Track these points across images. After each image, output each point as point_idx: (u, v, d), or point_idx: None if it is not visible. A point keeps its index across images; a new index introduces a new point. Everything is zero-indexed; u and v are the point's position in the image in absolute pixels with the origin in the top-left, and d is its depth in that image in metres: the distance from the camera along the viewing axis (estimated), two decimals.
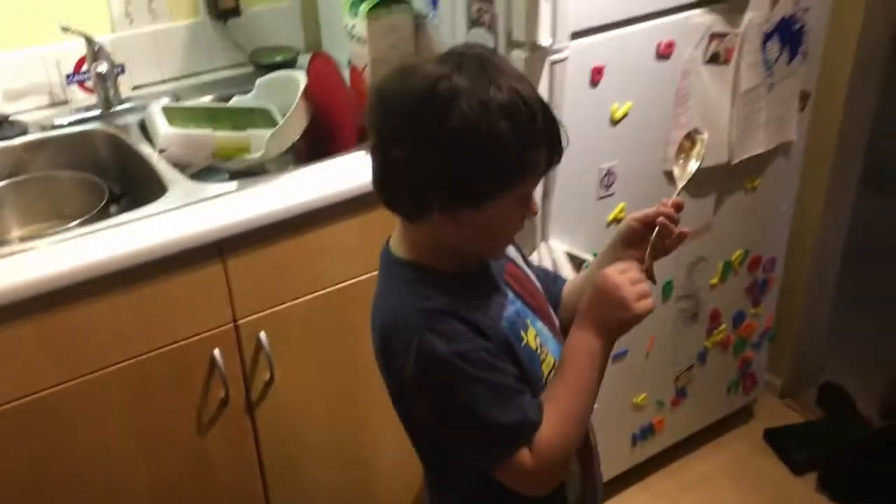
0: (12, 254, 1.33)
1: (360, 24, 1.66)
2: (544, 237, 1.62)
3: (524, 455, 0.97)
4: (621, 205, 1.71)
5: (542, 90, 1.47)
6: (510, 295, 1.07)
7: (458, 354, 0.95)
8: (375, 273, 1.61)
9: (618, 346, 1.83)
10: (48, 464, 1.40)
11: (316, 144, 1.76)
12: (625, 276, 1.00)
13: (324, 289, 1.58)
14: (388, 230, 1.61)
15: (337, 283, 1.58)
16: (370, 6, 1.63)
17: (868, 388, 2.38)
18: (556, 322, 1.16)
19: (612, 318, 1.00)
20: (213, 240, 1.41)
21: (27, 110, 1.75)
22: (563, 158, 1.47)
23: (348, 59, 1.77)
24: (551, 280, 1.23)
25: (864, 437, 2.16)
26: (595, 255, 1.68)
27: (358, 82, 1.76)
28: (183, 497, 1.58)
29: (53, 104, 1.78)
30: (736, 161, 1.79)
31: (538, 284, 1.16)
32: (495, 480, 1.01)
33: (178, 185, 1.52)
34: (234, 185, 1.52)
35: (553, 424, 0.98)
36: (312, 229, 1.52)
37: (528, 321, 1.07)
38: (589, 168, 1.64)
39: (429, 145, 0.90)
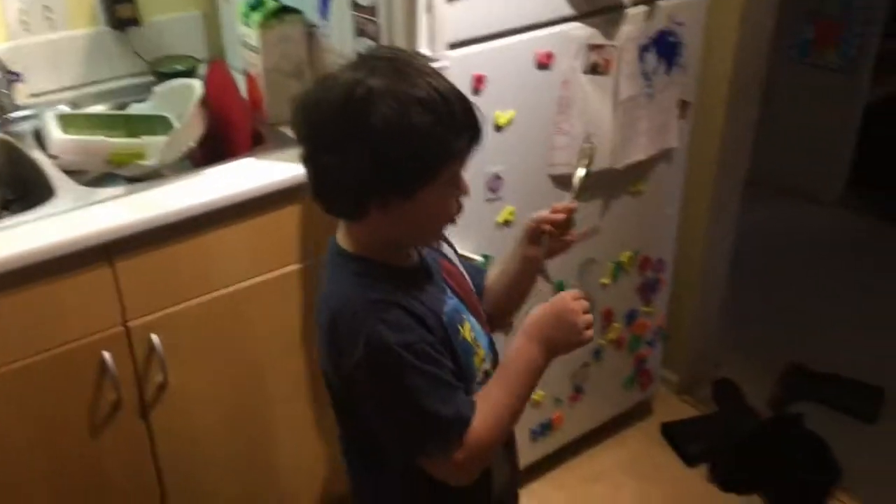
0: None
1: (253, 34, 1.71)
2: None
3: (454, 448, 1.03)
4: (509, 208, 1.78)
5: None
6: (448, 291, 1.14)
7: (404, 345, 1.00)
8: (267, 276, 1.67)
9: None
10: None
11: (213, 150, 1.79)
12: (578, 303, 1.09)
13: (216, 291, 1.61)
14: (279, 234, 1.66)
15: (229, 286, 1.62)
16: (263, 16, 1.68)
17: (758, 381, 2.51)
18: (484, 316, 1.22)
19: (560, 339, 1.09)
20: (99, 242, 1.43)
21: None
22: None
23: (244, 68, 1.81)
24: (475, 273, 1.29)
25: (750, 429, 2.27)
26: (485, 256, 1.76)
27: (253, 90, 1.80)
28: (79, 499, 1.59)
29: None
30: (619, 166, 1.89)
31: (468, 280, 1.22)
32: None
33: (68, 190, 1.54)
34: (123, 189, 1.55)
35: (484, 422, 1.04)
36: (204, 232, 1.56)
37: (464, 316, 1.13)
38: (476, 172, 1.70)
39: (355, 147, 0.96)
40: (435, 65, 1.47)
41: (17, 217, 1.46)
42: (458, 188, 1.04)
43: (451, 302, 1.12)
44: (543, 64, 1.70)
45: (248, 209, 1.59)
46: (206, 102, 1.81)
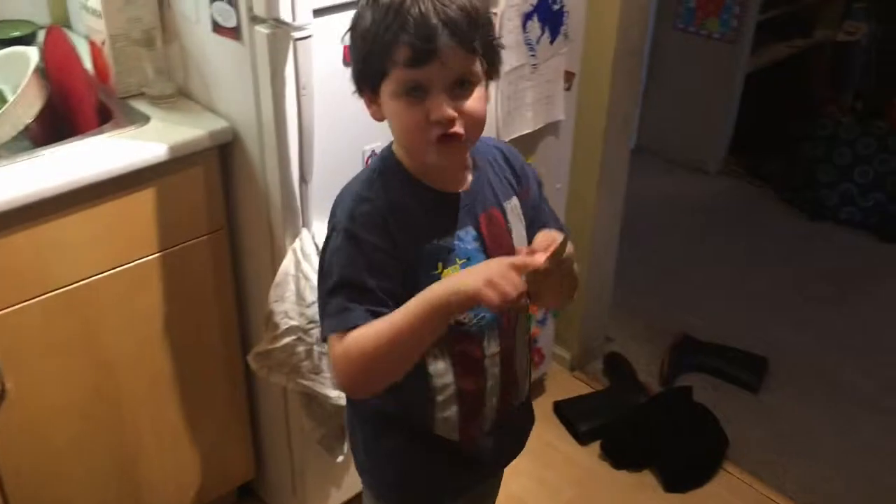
0: None
1: None
2: (305, 223, 1.55)
3: (335, 339, 1.08)
4: None
5: (289, 69, 1.39)
6: (467, 232, 1.13)
7: (352, 235, 1.08)
8: (119, 269, 1.50)
9: None
10: None
11: (54, 128, 1.60)
12: (506, 266, 1.02)
13: (60, 287, 1.43)
14: (132, 221, 1.50)
15: (75, 281, 1.45)
16: None
17: (647, 354, 2.50)
18: None
19: (460, 279, 1.05)
20: None
21: None
22: (323, 139, 1.37)
23: (87, 35, 1.62)
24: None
25: (640, 405, 2.26)
26: None
27: (98, 59, 1.61)
28: None
29: None
30: (505, 140, 1.80)
31: (517, 240, 1.18)
32: None
33: None
34: None
35: (366, 332, 1.06)
36: (43, 222, 1.38)
37: (459, 259, 1.13)
38: (352, 150, 1.58)
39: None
40: (297, 34, 1.38)
41: None
42: (419, 104, 1.04)
43: (451, 241, 1.13)
44: None
45: (95, 194, 1.42)
46: (44, 73, 1.62)
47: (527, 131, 1.85)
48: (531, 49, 1.78)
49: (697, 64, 3.38)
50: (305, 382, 1.58)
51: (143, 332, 1.58)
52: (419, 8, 1.00)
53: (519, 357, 1.25)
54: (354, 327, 1.06)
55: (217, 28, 1.45)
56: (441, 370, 1.17)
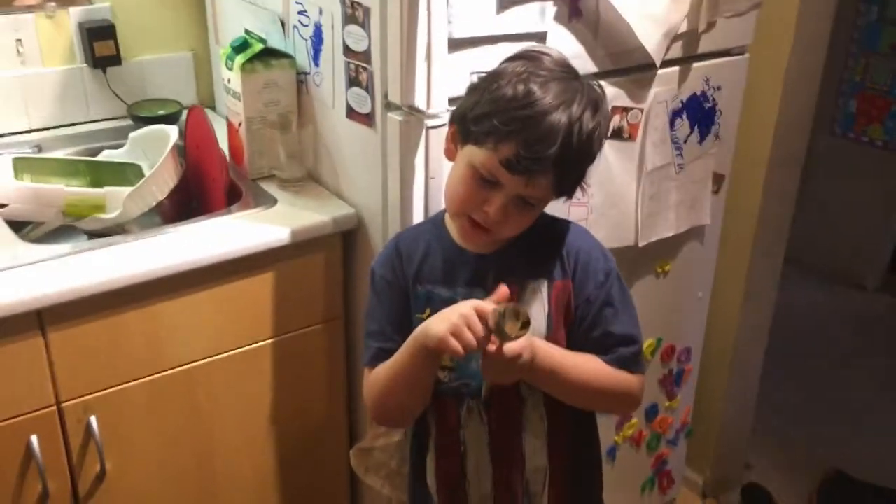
0: None
1: (234, 78, 1.53)
2: None
3: (366, 373, 1.19)
4: None
5: (419, 157, 1.33)
6: (472, 293, 1.11)
7: (372, 271, 1.20)
8: (231, 353, 1.46)
9: None
10: None
11: (186, 206, 1.61)
12: (469, 307, 1.02)
13: (169, 369, 1.39)
14: (249, 305, 1.45)
15: (184, 364, 1.41)
16: (245, 59, 1.50)
17: (792, 488, 2.23)
18: None
19: (434, 320, 1.05)
20: (30, 309, 1.23)
21: None
22: None
23: (227, 116, 1.63)
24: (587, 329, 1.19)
25: None
26: None
27: (234, 139, 1.61)
28: None
29: None
30: (644, 243, 1.66)
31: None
32: None
33: (6, 245, 1.34)
34: (69, 246, 1.35)
35: (379, 369, 1.16)
36: (158, 301, 1.35)
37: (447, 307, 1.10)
38: None
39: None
40: (431, 122, 1.32)
41: None
42: (484, 187, 1.06)
43: (452, 296, 1.14)
44: None
45: (214, 276, 1.38)
46: (182, 152, 1.63)
47: (669, 234, 1.70)
48: (678, 148, 1.65)
49: (857, 172, 3.14)
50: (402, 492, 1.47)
51: (250, 420, 1.52)
52: (551, 121, 1.02)
53: (526, 458, 1.20)
54: (366, 364, 1.18)
55: (351, 113, 1.42)
56: (426, 419, 1.22)
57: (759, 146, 1.85)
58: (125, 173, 1.63)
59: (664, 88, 1.58)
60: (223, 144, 1.61)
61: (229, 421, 1.49)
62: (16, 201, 1.46)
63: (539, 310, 1.15)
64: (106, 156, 1.68)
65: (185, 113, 1.75)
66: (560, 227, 1.20)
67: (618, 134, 1.56)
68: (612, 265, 1.19)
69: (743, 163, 1.84)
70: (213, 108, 1.89)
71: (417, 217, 1.37)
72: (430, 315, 1.11)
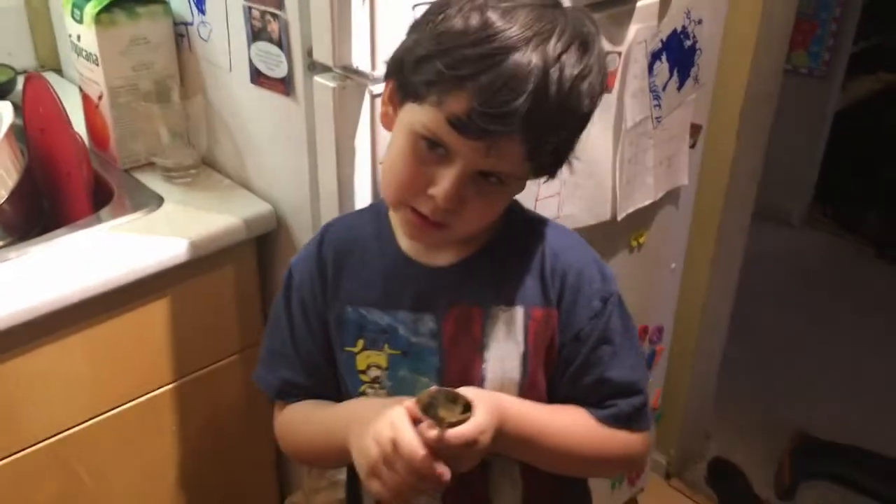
0: None
1: (86, 35, 1.12)
2: None
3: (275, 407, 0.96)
4: None
5: (363, 130, 0.99)
6: (420, 320, 0.86)
7: (290, 269, 0.93)
8: (124, 408, 1.09)
9: None
10: None
11: (34, 208, 1.20)
12: (384, 436, 0.76)
13: (33, 445, 1.01)
14: (137, 344, 1.08)
15: (55, 434, 1.03)
16: (99, 7, 1.09)
17: (757, 459, 2.07)
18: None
19: (352, 447, 0.81)
20: None
21: None
22: None
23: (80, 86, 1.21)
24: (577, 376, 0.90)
25: None
26: None
27: (94, 117, 1.20)
28: None
29: None
30: (622, 216, 1.38)
31: (491, 361, 0.87)
32: None
33: None
34: None
35: (292, 422, 0.93)
36: (13, 355, 0.96)
37: (391, 351, 0.87)
38: None
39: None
40: (377, 88, 0.97)
41: None
42: (430, 163, 0.77)
43: (390, 322, 0.86)
44: None
45: (87, 312, 1.00)
46: (22, 136, 1.21)
47: (647, 202, 1.43)
48: (656, 98, 1.37)
49: (782, 101, 2.98)
50: None
51: (151, 492, 1.16)
52: (517, 61, 0.72)
53: None
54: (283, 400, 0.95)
55: (258, 78, 1.04)
56: None
57: (734, 85, 1.59)
58: None
59: (644, 26, 1.28)
60: (78, 124, 1.20)
61: (124, 498, 1.13)
62: None
63: (511, 349, 0.87)
64: None
65: (20, 82, 1.31)
66: (541, 233, 0.90)
67: None
68: (611, 288, 0.90)
69: (717, 107, 1.58)
70: (60, 73, 1.46)
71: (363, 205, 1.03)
72: (362, 349, 0.87)
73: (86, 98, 1.20)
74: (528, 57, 0.72)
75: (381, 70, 0.94)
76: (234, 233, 1.08)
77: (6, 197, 1.13)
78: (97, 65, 1.12)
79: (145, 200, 1.13)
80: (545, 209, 1.28)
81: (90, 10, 1.09)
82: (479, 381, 0.86)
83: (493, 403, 0.80)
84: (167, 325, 1.08)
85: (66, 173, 1.16)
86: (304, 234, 1.10)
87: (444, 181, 0.76)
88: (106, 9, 1.09)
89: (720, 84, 1.55)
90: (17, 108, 1.21)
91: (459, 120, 0.73)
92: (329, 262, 0.89)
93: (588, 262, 0.89)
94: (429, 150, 0.77)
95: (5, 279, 0.97)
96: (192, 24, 1.12)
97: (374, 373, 0.90)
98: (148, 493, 1.16)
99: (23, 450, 1.01)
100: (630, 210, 1.40)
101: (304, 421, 0.92)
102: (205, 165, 1.21)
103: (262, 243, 1.15)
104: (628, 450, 0.91)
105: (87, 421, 1.05)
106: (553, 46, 0.73)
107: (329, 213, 1.05)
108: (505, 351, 0.86)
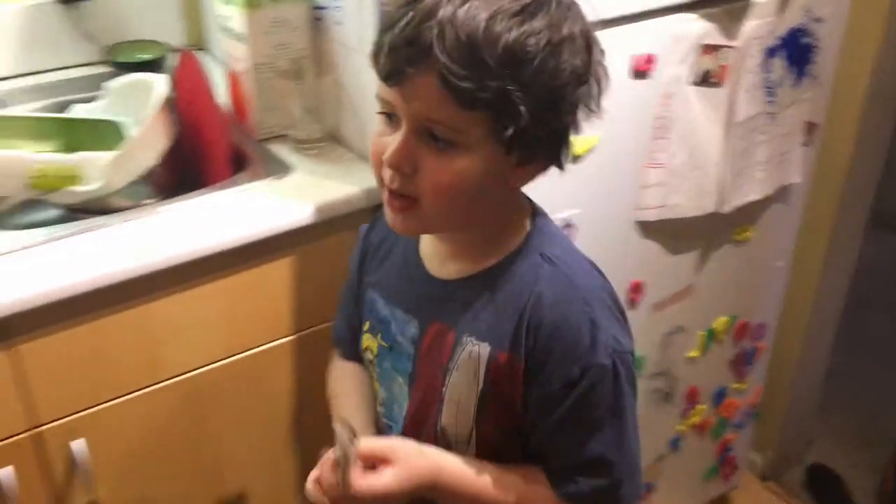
0: None
1: (237, 17, 1.23)
2: None
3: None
4: None
5: None
6: (409, 323, 0.88)
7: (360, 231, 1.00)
8: (243, 356, 1.20)
9: None
10: None
11: (180, 171, 1.33)
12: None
13: (168, 379, 1.14)
14: (264, 297, 1.19)
15: (187, 372, 1.15)
16: None
17: (859, 469, 2.02)
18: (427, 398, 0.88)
19: None
20: None
21: None
22: None
23: (226, 63, 1.34)
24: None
25: None
26: None
27: (237, 93, 1.33)
28: None
29: None
30: (728, 209, 1.40)
31: (450, 388, 0.85)
32: None
33: None
34: (37, 235, 1.08)
35: (330, 379, 1.06)
36: (152, 298, 1.09)
37: (381, 337, 0.92)
38: None
39: None
40: None
41: None
42: (389, 132, 0.77)
43: (387, 314, 0.90)
44: (641, 71, 1.21)
45: (222, 264, 1.12)
46: (173, 106, 1.34)
47: (756, 197, 1.44)
48: (770, 94, 1.38)
49: None
50: None
51: (267, 431, 1.27)
52: (423, 7, 0.71)
53: None
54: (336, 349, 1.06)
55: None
56: None
57: (854, 84, 1.57)
58: (101, 133, 1.34)
59: (761, 22, 1.29)
60: (220, 98, 1.32)
61: (242, 433, 1.25)
62: None
63: (471, 383, 0.83)
64: (79, 111, 1.39)
65: (172, 58, 1.45)
66: (541, 274, 0.81)
67: (705, 79, 1.28)
68: (598, 358, 0.78)
69: (836, 106, 1.56)
70: (207, 51, 1.60)
71: None
72: (366, 331, 0.93)
73: (231, 74, 1.32)
74: (436, 4, 0.70)
75: None
76: (355, 201, 1.18)
77: (158, 160, 1.27)
78: (243, 43, 1.24)
79: (277, 168, 1.23)
80: (650, 198, 1.32)
81: None
82: (437, 401, 0.85)
83: (419, 469, 0.80)
84: (291, 281, 1.19)
85: (210, 141, 1.28)
86: None
87: (395, 138, 0.76)
88: None
89: (840, 82, 1.53)
90: (170, 82, 1.34)
91: (380, 67, 0.74)
92: (371, 245, 0.95)
93: (577, 322, 0.79)
94: (388, 123, 0.77)
95: (153, 231, 1.10)
96: (327, 8, 1.22)
97: (368, 356, 0.95)
98: (262, 433, 1.27)
99: (159, 383, 1.13)
100: (737, 203, 1.41)
101: (331, 386, 1.05)
102: (331, 139, 1.30)
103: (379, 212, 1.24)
104: None
105: (215, 362, 1.17)
106: (479, 7, 0.69)
107: None
108: (464, 382, 0.83)
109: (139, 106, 1.31)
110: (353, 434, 0.80)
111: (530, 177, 0.81)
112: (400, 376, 0.89)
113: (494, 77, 0.69)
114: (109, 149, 1.24)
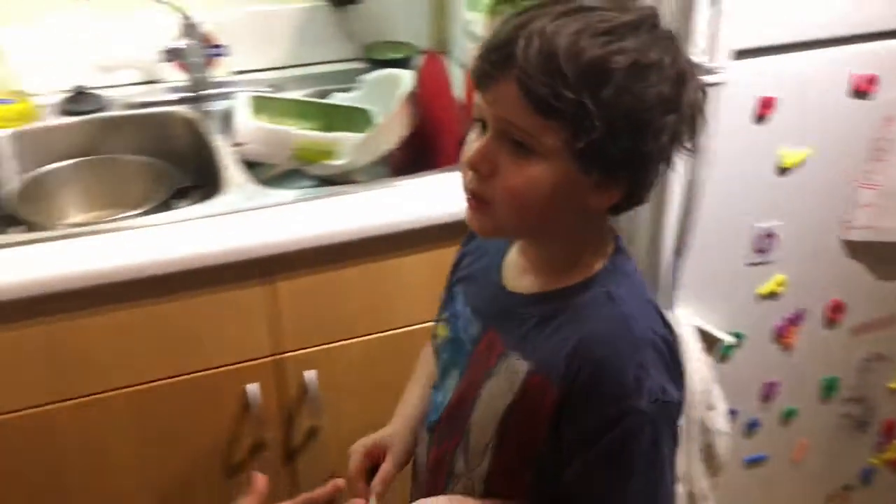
0: (58, 238, 1.17)
1: (480, 21, 1.39)
2: (669, 304, 1.28)
3: None
4: (779, 277, 1.34)
5: None
6: (472, 324, 0.90)
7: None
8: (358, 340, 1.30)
9: (756, 450, 1.48)
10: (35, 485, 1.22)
11: (416, 156, 1.51)
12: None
13: (389, 330, 1.32)
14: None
15: (405, 326, 1.32)
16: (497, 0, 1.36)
17: None
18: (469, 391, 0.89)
19: None
20: (259, 256, 1.18)
21: (118, 85, 1.61)
22: (709, 207, 1.20)
23: (465, 63, 1.51)
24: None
25: None
26: (735, 334, 1.34)
27: (472, 91, 1.49)
28: None
29: (147, 82, 1.63)
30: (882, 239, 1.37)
31: (484, 398, 0.87)
32: None
33: (240, 187, 1.31)
34: (299, 193, 1.30)
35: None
36: (383, 258, 1.27)
37: (449, 328, 0.95)
38: (740, 225, 1.29)
39: None
40: (710, 77, 1.11)
41: (180, 211, 1.26)
42: (471, 139, 0.80)
43: (458, 308, 0.93)
44: (861, 91, 1.23)
45: (441, 236, 1.28)
46: (416, 99, 1.53)
47: None
48: None
49: None
50: None
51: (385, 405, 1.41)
52: (514, 23, 0.73)
53: None
54: None
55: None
56: None
57: None
58: (354, 118, 1.56)
59: None
60: (459, 95, 1.49)
61: (363, 410, 1.37)
62: (252, 141, 1.42)
63: (504, 393, 0.83)
64: (337, 99, 1.62)
65: (418, 58, 1.65)
66: (596, 313, 0.80)
67: None
68: (639, 403, 0.76)
69: None
70: (448, 54, 1.78)
71: (675, 187, 1.19)
72: (444, 319, 0.96)
73: (468, 74, 1.49)
74: (526, 21, 0.72)
75: (716, 62, 1.09)
76: None
77: (398, 144, 1.46)
78: None
79: None
80: (860, 217, 1.33)
81: (486, 1, 1.36)
82: (473, 399, 0.87)
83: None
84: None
85: (444, 132, 1.46)
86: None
87: (478, 141, 0.77)
88: (498, 2, 1.36)
89: None
90: (415, 79, 1.53)
91: (473, 73, 0.77)
92: (471, 244, 0.98)
93: (624, 363, 0.76)
94: (480, 131, 0.79)
95: (391, 200, 1.28)
96: None
97: (435, 343, 0.98)
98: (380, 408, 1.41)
99: (383, 331, 1.31)
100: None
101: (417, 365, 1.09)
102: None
103: None
104: None
105: (421, 323, 1.30)
106: (569, 23, 0.70)
107: None
108: (499, 389, 0.84)
109: (387, 97, 1.51)
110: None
111: (610, 202, 0.77)
112: (455, 368, 0.93)
113: (572, 89, 0.70)
114: (359, 132, 1.45)
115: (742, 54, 1.13)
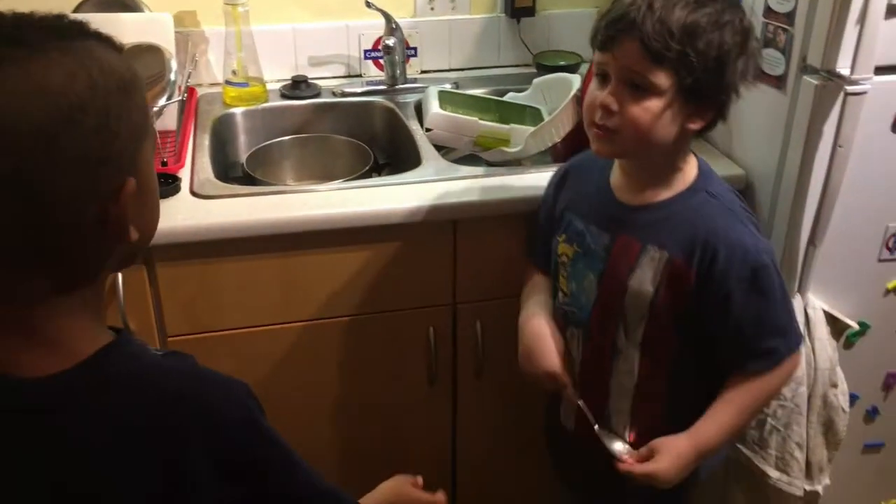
0: (289, 192, 1.46)
1: None
2: (801, 288, 1.44)
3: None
4: None
5: (832, 121, 1.31)
6: (600, 235, 1.19)
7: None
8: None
9: (875, 436, 1.60)
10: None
11: (578, 150, 1.72)
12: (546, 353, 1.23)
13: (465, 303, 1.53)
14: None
15: (482, 300, 1.53)
16: None
17: None
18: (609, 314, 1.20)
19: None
20: (447, 218, 1.43)
21: (324, 77, 1.91)
22: (844, 205, 1.38)
23: None
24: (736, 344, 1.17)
25: None
26: (861, 323, 1.48)
27: None
28: (372, 458, 1.61)
29: (349, 75, 1.93)
30: None
31: (634, 284, 1.16)
32: None
33: (433, 162, 1.56)
34: (482, 170, 1.54)
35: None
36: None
37: (576, 245, 1.22)
38: (873, 224, 1.43)
39: None
40: (852, 88, 1.28)
41: (385, 179, 1.52)
42: (600, 89, 1.09)
43: (580, 227, 1.22)
44: None
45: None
46: (580, 101, 1.75)
47: None
48: None
49: None
50: (745, 450, 1.48)
51: None
52: (636, 1, 1.02)
53: (611, 392, 1.23)
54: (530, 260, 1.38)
55: (759, 74, 1.42)
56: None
57: None
58: (525, 114, 1.79)
59: None
60: None
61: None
62: (439, 128, 1.68)
63: (649, 277, 1.14)
64: (511, 97, 1.86)
65: (583, 66, 1.87)
66: (710, 210, 1.14)
67: None
68: (763, 259, 1.11)
69: None
70: None
71: (816, 185, 1.35)
72: (564, 240, 1.23)
73: None
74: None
75: (858, 74, 1.26)
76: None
77: (562, 138, 1.68)
78: None
79: None
80: None
81: None
82: (622, 291, 1.15)
83: (677, 450, 1.13)
84: None
85: None
86: (765, 197, 1.45)
87: (607, 89, 1.07)
88: None
89: None
90: (581, 83, 1.74)
91: (599, 40, 1.07)
92: (568, 177, 1.29)
93: (744, 239, 1.11)
94: (601, 83, 1.08)
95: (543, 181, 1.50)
96: None
97: (563, 259, 1.25)
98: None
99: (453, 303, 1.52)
100: None
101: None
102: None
103: None
104: (771, 392, 1.20)
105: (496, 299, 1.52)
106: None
107: (789, 182, 1.38)
108: (645, 275, 1.14)
109: (554, 98, 1.74)
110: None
111: (702, 125, 1.09)
112: (591, 273, 1.19)
113: (677, 42, 1.00)
114: (528, 126, 1.68)
115: (883, 70, 1.29)
